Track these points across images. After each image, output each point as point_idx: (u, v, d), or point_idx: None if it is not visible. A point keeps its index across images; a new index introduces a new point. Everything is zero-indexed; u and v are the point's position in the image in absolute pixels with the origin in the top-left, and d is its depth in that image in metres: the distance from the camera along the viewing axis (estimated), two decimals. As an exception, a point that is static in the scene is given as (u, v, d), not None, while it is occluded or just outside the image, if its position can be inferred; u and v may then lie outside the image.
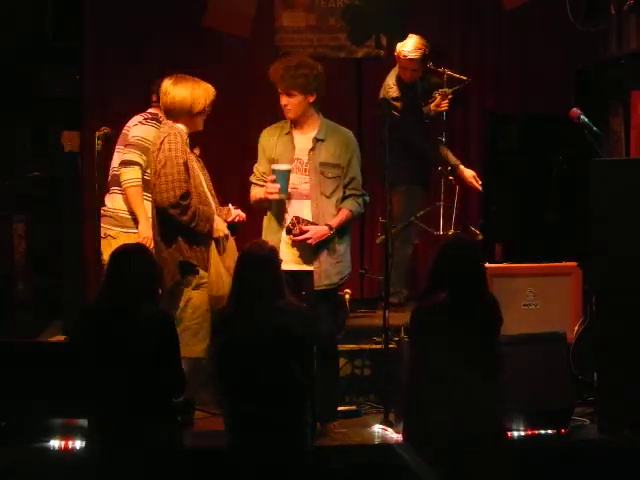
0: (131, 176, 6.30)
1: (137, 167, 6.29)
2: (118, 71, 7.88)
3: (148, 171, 6.18)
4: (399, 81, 7.31)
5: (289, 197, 5.96)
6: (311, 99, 5.97)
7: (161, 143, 5.74)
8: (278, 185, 5.88)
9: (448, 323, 4.68)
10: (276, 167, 5.93)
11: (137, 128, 6.37)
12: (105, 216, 6.45)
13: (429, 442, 4.66)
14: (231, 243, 5.89)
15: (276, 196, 5.92)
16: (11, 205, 7.61)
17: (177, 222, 5.71)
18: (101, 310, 4.69)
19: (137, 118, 6.48)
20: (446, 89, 7.34)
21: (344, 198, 6.02)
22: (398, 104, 7.26)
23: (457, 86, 7.41)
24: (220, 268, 5.75)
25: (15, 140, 7.74)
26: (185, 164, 5.72)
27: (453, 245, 4.93)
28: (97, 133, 6.42)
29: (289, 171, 5.91)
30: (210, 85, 5.92)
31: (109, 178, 6.55)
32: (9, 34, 7.49)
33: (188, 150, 5.85)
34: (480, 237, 7.12)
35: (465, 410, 4.60)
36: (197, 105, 5.80)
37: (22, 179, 7.76)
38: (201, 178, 5.90)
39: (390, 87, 7.30)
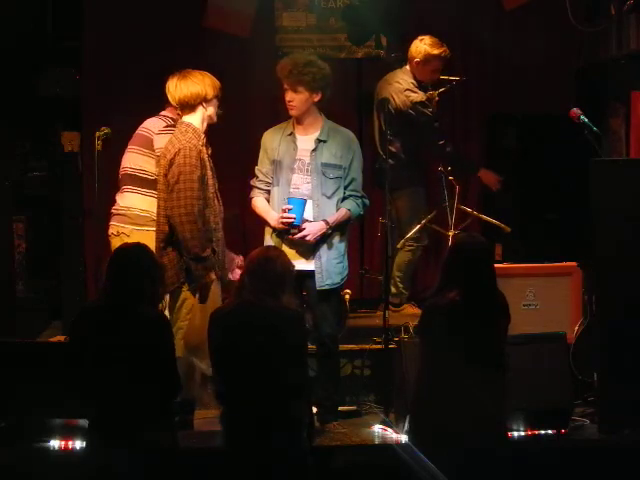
0: None
1: None
2: (118, 71, 7.88)
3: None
4: (420, 85, 7.32)
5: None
6: (316, 98, 5.98)
7: (175, 154, 5.72)
8: (294, 215, 5.89)
9: (459, 322, 4.69)
10: (293, 197, 5.95)
11: (162, 138, 6.26)
12: (117, 214, 6.39)
13: (435, 440, 4.66)
14: (215, 288, 5.84)
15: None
16: (11, 205, 7.60)
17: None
18: (99, 309, 4.69)
19: (158, 124, 6.38)
20: (432, 92, 7.34)
21: (344, 199, 6.04)
22: (426, 109, 7.28)
23: (444, 87, 7.41)
24: (197, 319, 5.70)
25: (15, 140, 7.74)
26: (199, 178, 5.72)
27: (465, 244, 4.94)
28: (97, 133, 6.43)
29: (305, 201, 5.93)
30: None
31: (119, 177, 6.49)
32: (9, 34, 7.49)
33: (204, 150, 5.86)
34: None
35: (472, 409, 4.61)
36: (210, 92, 5.84)
37: (22, 179, 7.76)
38: (211, 182, 5.90)
39: (412, 91, 7.27)
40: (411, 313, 7.31)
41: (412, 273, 7.63)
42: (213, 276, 5.76)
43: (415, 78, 7.34)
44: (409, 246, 7.36)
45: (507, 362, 4.78)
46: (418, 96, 7.26)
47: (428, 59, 7.28)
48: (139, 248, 4.86)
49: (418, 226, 7.20)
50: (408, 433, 5.08)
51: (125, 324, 4.59)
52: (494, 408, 4.69)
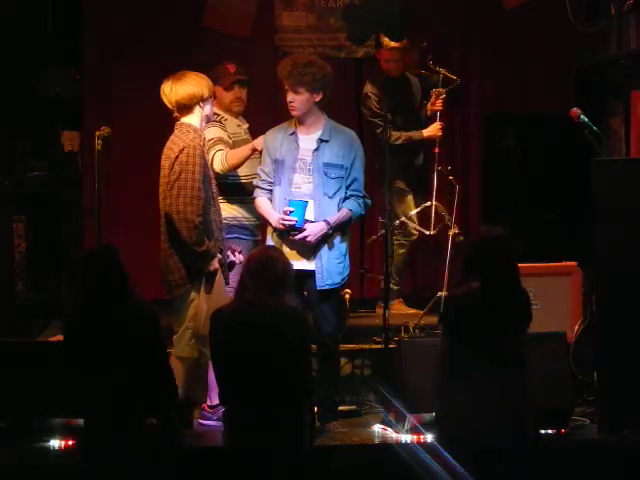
0: (219, 158, 6.24)
1: (220, 152, 6.24)
2: (118, 71, 7.88)
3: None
4: (384, 81, 7.34)
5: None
6: (317, 98, 5.98)
7: (179, 152, 5.71)
8: (295, 219, 5.89)
9: (479, 311, 4.71)
10: (293, 199, 5.94)
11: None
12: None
13: (460, 437, 4.68)
14: (219, 279, 5.82)
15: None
16: (11, 205, 7.60)
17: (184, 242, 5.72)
18: (84, 310, 4.69)
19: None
20: (440, 88, 7.35)
21: (345, 199, 6.04)
22: (368, 101, 7.44)
23: (450, 85, 7.41)
24: (203, 307, 5.68)
25: (15, 140, 7.74)
26: (202, 176, 5.72)
27: (486, 237, 4.94)
28: (97, 133, 6.42)
29: (306, 203, 5.92)
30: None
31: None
32: (9, 34, 7.49)
33: (206, 150, 5.87)
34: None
35: (492, 404, 4.63)
36: (206, 92, 5.84)
37: (22, 179, 7.75)
38: (214, 182, 5.91)
39: (367, 97, 7.49)
40: (402, 310, 7.40)
41: (403, 268, 7.65)
42: (216, 264, 5.76)
43: (382, 75, 7.45)
44: (396, 241, 7.42)
45: (526, 359, 4.79)
46: (366, 88, 7.46)
47: (381, 52, 7.38)
48: (103, 250, 4.86)
49: (398, 221, 7.33)
50: (435, 421, 5.10)
51: (109, 323, 4.58)
52: (513, 404, 4.70)
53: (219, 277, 5.79)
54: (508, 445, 4.67)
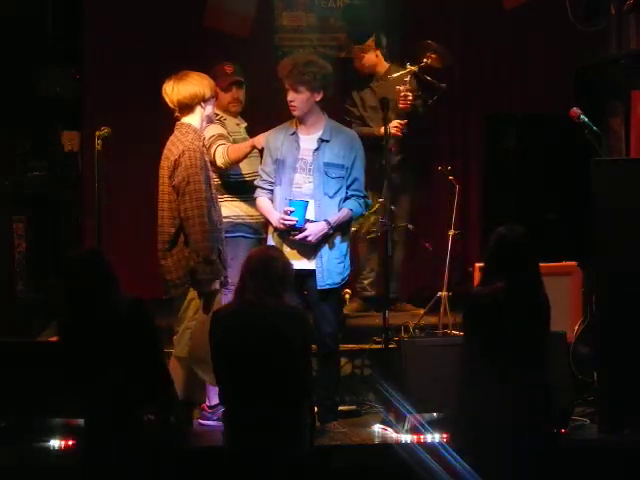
0: (220, 151, 6.27)
1: (222, 146, 6.25)
2: (118, 71, 7.88)
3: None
4: (356, 80, 7.42)
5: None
6: (317, 97, 5.98)
7: (179, 155, 5.72)
8: (295, 218, 5.88)
9: (504, 311, 4.72)
10: (294, 199, 5.94)
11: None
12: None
13: (480, 438, 4.70)
14: (218, 299, 5.79)
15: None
16: (11, 205, 7.60)
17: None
18: (74, 311, 4.70)
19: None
20: (402, 87, 7.21)
21: (346, 198, 6.04)
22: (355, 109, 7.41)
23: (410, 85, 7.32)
24: (201, 331, 5.58)
25: (15, 140, 7.74)
26: (205, 178, 5.73)
27: (507, 236, 4.93)
28: (97, 133, 6.42)
29: (307, 203, 5.92)
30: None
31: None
32: (9, 34, 7.50)
33: (205, 151, 5.88)
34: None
35: (513, 404, 4.65)
36: (208, 92, 5.85)
37: (22, 179, 7.76)
38: (213, 183, 5.92)
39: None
40: (355, 307, 7.45)
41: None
42: (217, 285, 5.75)
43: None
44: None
45: (546, 359, 4.80)
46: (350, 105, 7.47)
47: None
48: (86, 253, 4.87)
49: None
50: (447, 421, 5.11)
51: (101, 322, 4.59)
52: (536, 404, 4.72)
53: (218, 297, 5.78)
54: (529, 445, 4.67)
